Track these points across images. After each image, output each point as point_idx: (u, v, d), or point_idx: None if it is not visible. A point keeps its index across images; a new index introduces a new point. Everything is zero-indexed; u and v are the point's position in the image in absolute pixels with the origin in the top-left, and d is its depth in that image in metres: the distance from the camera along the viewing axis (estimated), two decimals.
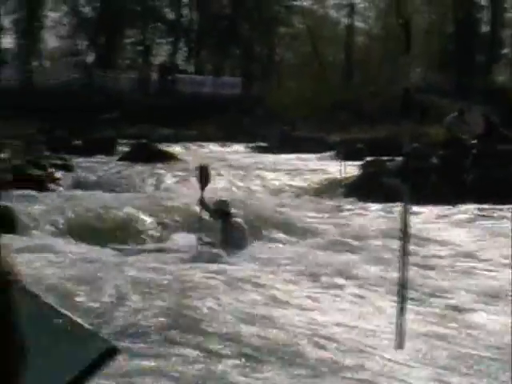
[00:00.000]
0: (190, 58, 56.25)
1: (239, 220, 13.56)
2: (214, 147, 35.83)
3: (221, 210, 13.22)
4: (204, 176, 13.07)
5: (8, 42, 52.63)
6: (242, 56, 55.28)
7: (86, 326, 1.85)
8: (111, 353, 1.80)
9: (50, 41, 54.87)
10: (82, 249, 13.52)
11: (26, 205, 16.90)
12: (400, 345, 7.73)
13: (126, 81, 47.88)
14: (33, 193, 19.41)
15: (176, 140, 36.89)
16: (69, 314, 1.84)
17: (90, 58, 53.17)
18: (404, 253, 7.53)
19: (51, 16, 54.45)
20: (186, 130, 39.30)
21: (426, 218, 17.30)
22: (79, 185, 22.63)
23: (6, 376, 1.39)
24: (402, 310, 7.64)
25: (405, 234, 7.46)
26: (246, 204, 17.30)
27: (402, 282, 7.59)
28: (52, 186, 21.96)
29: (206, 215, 13.45)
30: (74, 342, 1.80)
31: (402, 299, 7.61)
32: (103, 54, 52.43)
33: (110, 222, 15.84)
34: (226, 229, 13.10)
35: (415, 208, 14.07)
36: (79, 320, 1.86)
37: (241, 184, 23.85)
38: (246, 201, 18.28)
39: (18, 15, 52.14)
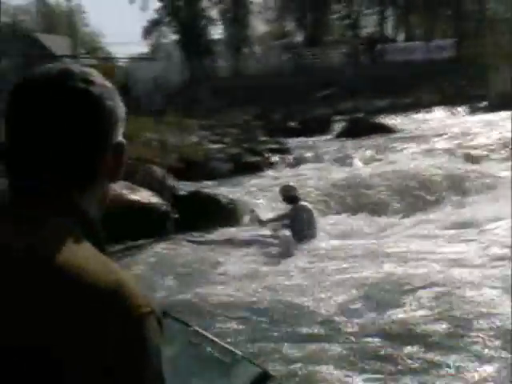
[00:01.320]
0: (398, 25, 55.34)
1: (305, 203, 13.07)
2: (431, 114, 34.93)
3: (288, 196, 12.93)
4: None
5: (218, 32, 54.12)
6: (453, 16, 53.68)
7: (238, 352, 1.84)
8: (264, 378, 1.78)
9: (258, 26, 55.81)
10: None
11: (243, 191, 17.25)
12: None
13: (335, 57, 47.89)
14: (250, 179, 19.78)
15: (392, 110, 36.44)
16: (219, 340, 1.85)
17: (298, 39, 53.53)
18: None
19: (257, 1, 55.35)
20: (401, 99, 38.77)
21: None
22: (296, 166, 22.70)
23: None
24: None
25: None
26: None
27: None
28: (269, 171, 22.23)
29: None
30: (226, 369, 1.79)
31: None
32: (311, 33, 52.60)
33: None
34: (293, 214, 12.70)
35: None
36: (230, 347, 1.84)
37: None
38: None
39: (224, 5, 53.35)
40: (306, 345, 7.36)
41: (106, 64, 44.68)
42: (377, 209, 15.55)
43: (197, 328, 1.89)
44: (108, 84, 1.61)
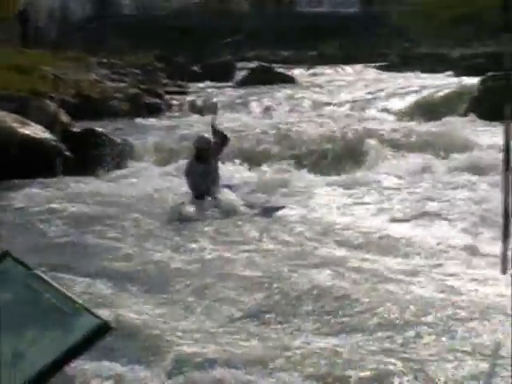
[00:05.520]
0: None
1: None
2: (332, 69, 34.96)
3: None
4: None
5: None
6: None
7: (78, 301, 1.78)
8: (103, 329, 1.75)
9: None
10: None
11: (141, 132, 17.12)
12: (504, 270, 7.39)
13: (243, 4, 47.57)
14: (149, 120, 19.64)
15: (295, 62, 36.51)
16: (61, 288, 1.79)
17: None
18: (507, 171, 7.10)
19: None
20: (305, 51, 38.83)
21: None
22: (195, 110, 22.59)
23: None
24: (506, 234, 7.26)
25: (507, 155, 7.02)
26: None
27: (506, 204, 7.19)
28: (168, 113, 22.09)
29: None
30: (65, 318, 1.74)
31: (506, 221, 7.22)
32: None
33: None
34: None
35: None
36: (72, 295, 1.78)
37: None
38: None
39: None
40: None
41: None
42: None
43: (38, 272, 1.82)
44: None
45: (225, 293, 7.07)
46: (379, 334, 6.00)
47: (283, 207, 10.58)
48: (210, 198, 10.42)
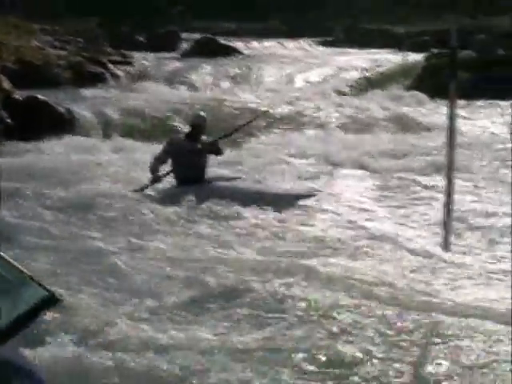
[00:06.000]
0: None
1: None
2: (275, 42, 34.96)
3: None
4: None
5: None
6: None
7: (25, 271, 1.76)
8: (49, 301, 1.73)
9: None
10: None
11: (84, 102, 16.95)
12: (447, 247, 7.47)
13: None
14: (93, 90, 19.41)
15: (240, 34, 36.45)
16: (8, 258, 1.76)
17: None
18: (451, 149, 7.18)
19: None
20: (249, 24, 38.78)
21: None
22: (139, 81, 22.37)
23: None
24: (448, 212, 7.35)
25: (451, 132, 7.10)
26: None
27: (449, 180, 7.27)
28: (113, 82, 21.84)
29: None
30: (12, 288, 1.72)
31: (449, 199, 7.30)
32: None
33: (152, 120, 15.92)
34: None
35: None
36: (19, 265, 1.76)
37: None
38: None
39: None
40: None
41: None
42: None
43: None
44: None
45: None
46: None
47: (314, 194, 9.87)
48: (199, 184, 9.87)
